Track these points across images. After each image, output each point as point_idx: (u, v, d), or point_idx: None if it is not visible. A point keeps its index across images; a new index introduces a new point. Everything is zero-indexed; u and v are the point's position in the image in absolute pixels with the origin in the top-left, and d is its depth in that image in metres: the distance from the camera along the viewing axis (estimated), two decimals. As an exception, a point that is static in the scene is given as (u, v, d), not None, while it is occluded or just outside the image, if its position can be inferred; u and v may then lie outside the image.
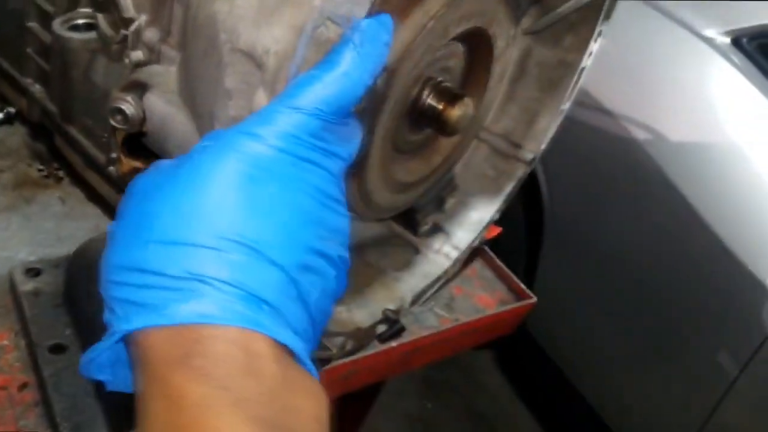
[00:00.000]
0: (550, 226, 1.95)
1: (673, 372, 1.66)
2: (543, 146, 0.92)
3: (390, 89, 0.57)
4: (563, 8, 0.75)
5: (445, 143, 0.75)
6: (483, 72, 0.73)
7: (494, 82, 0.76)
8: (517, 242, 2.11)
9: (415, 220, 0.79)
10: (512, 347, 2.22)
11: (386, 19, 0.42)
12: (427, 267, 0.86)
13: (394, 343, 0.77)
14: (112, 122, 0.57)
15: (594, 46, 0.84)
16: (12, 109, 0.92)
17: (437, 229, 0.89)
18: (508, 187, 0.93)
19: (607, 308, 1.84)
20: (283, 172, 0.36)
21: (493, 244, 2.36)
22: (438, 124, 0.66)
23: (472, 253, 0.94)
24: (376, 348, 0.76)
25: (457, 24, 0.62)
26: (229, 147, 0.35)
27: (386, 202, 0.69)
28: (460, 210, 0.92)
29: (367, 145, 0.60)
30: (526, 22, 0.83)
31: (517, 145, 0.92)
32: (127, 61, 0.65)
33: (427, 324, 0.83)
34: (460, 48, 0.69)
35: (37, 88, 0.82)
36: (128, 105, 0.57)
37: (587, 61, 0.86)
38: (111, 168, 0.73)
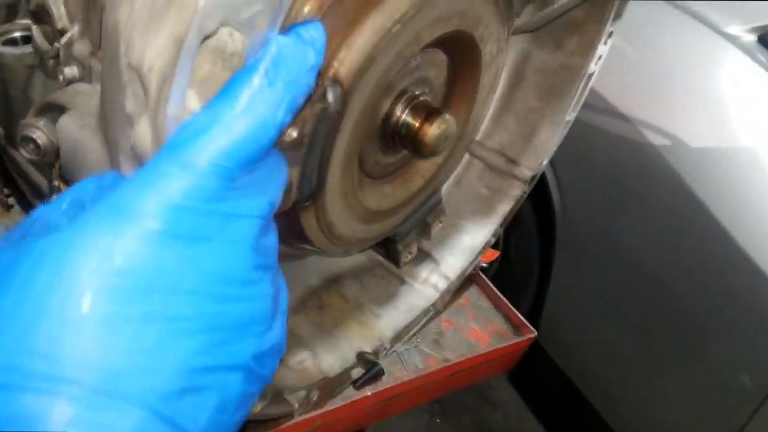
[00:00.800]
0: (562, 235, 1.86)
1: (693, 390, 1.56)
2: (543, 162, 0.82)
3: (347, 108, 0.48)
4: (561, 2, 0.66)
5: (427, 164, 0.66)
6: (470, 83, 0.64)
7: (484, 94, 0.66)
8: (529, 252, 2.02)
9: (395, 250, 0.69)
10: (524, 361, 2.12)
11: (313, 31, 0.33)
12: (412, 300, 0.77)
13: (369, 391, 0.68)
14: (24, 153, 0.49)
15: (603, 49, 0.74)
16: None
17: (424, 257, 0.80)
18: (504, 208, 0.83)
19: (623, 320, 1.75)
20: (159, 273, 0.27)
21: (504, 255, 2.27)
22: (413, 144, 0.57)
23: (466, 281, 0.84)
24: (348, 397, 0.67)
25: (432, 27, 0.52)
26: (89, 243, 0.27)
27: (355, 233, 0.60)
28: (450, 234, 0.82)
29: (323, 173, 0.50)
30: (520, 21, 0.73)
31: (514, 162, 0.82)
32: (61, 78, 0.57)
33: (411, 364, 0.74)
34: (440, 56, 0.60)
35: (-19, 108, 0.75)
36: (39, 133, 0.49)
37: (595, 66, 0.76)
38: (54, 198, 0.65)
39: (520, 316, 0.81)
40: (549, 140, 0.79)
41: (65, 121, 0.48)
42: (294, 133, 0.44)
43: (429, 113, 0.56)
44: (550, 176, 1.88)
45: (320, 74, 0.46)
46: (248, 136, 0.29)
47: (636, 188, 1.72)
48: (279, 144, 0.43)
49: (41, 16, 0.61)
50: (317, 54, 0.32)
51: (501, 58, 0.66)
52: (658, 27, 1.79)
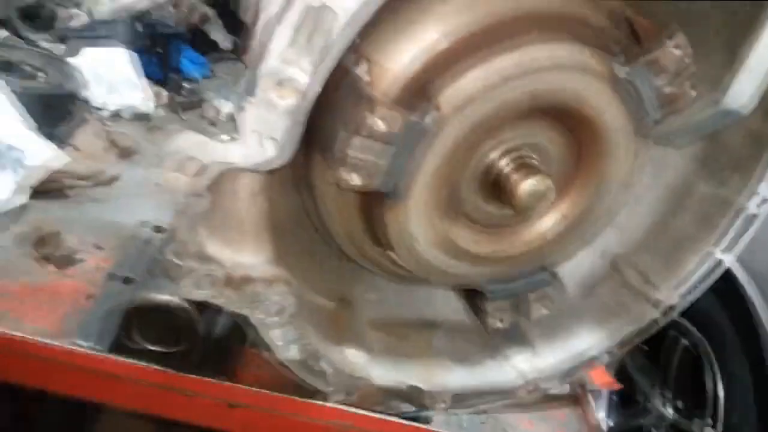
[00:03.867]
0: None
1: None
2: (683, 292, 0.77)
3: (440, 133, 0.56)
4: (689, 114, 0.65)
5: (532, 234, 0.69)
6: (593, 172, 0.67)
7: (609, 186, 0.67)
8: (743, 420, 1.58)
9: (483, 309, 0.72)
10: None
11: None
12: (491, 373, 0.77)
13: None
14: None
15: (766, 190, 0.70)
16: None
17: (521, 339, 0.79)
18: (627, 330, 0.79)
19: None
20: None
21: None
22: (506, 194, 0.62)
23: (568, 398, 0.80)
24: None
25: (541, 93, 0.59)
26: None
27: (436, 260, 0.65)
28: (559, 333, 0.80)
29: (409, 179, 0.58)
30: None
31: (652, 284, 0.79)
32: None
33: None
34: (562, 132, 0.65)
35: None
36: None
37: (757, 208, 0.71)
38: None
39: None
40: (692, 270, 0.75)
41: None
42: (383, 126, 0.54)
43: (529, 170, 0.61)
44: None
45: (426, 88, 0.56)
46: None
47: None
48: (373, 132, 0.54)
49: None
50: None
51: (629, 155, 0.66)
52: None
